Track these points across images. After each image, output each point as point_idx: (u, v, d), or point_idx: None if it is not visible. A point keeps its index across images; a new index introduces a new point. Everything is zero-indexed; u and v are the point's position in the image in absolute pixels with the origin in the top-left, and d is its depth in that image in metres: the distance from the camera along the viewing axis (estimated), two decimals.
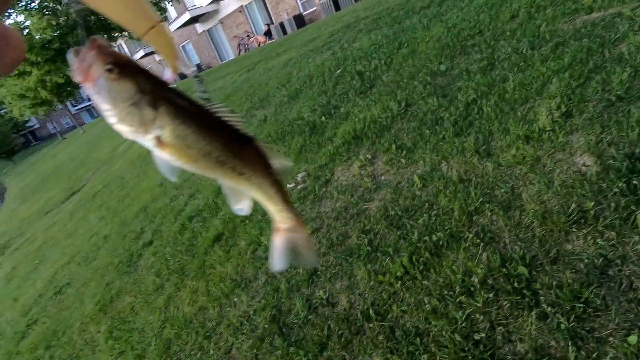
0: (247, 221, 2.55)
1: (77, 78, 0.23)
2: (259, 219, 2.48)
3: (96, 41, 0.23)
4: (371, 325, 1.40)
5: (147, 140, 0.25)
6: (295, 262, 0.31)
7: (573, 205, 1.32)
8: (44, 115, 21.14)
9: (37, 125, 49.07)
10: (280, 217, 0.30)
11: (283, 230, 0.30)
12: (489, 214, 1.51)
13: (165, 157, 0.26)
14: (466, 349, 1.14)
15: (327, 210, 2.15)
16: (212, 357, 1.73)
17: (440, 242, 1.51)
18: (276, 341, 1.58)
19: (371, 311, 1.43)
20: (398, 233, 1.69)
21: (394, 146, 2.25)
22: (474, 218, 1.54)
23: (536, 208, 1.41)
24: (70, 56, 0.23)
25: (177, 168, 0.26)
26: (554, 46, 2.29)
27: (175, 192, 3.97)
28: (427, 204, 1.74)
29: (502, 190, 1.57)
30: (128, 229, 3.85)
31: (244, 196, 0.29)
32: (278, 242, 0.31)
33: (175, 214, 3.41)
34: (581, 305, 1.06)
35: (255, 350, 1.61)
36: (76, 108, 46.66)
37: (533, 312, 1.12)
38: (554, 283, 1.15)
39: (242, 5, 18.58)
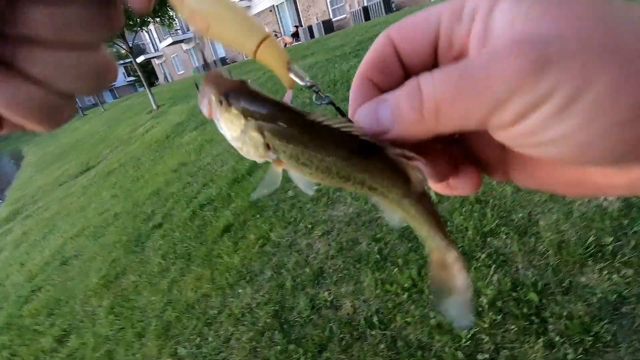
0: (258, 216, 2.57)
1: (205, 114, 0.24)
2: (270, 214, 2.50)
3: (210, 74, 0.23)
4: (373, 332, 1.40)
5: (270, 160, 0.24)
6: (444, 308, 0.24)
7: (591, 239, 1.31)
8: None
9: None
10: (429, 245, 0.24)
11: (433, 263, 0.24)
12: (504, 237, 1.51)
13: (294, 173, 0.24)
14: None
15: (340, 214, 2.16)
16: (211, 345, 1.75)
17: None
18: (276, 336, 1.59)
19: (375, 319, 1.44)
20: (409, 245, 1.69)
21: None
22: (488, 239, 1.53)
23: (552, 237, 1.40)
24: (197, 94, 0.24)
25: (312, 182, 0.24)
26: None
27: (189, 179, 4.03)
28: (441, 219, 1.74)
29: (519, 215, 1.56)
30: (139, 210, 3.92)
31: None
32: (431, 275, 0.24)
33: (188, 200, 3.46)
34: (591, 338, 1.06)
35: (254, 343, 1.63)
36: None
37: (540, 340, 1.11)
38: (565, 313, 1.15)
39: (273, 5, 18.84)
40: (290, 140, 0.22)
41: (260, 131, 0.23)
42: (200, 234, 2.77)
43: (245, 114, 0.23)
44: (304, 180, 0.25)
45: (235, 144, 0.24)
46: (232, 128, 0.23)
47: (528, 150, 0.17)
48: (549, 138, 0.16)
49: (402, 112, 0.19)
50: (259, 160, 0.25)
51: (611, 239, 1.28)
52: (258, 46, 0.23)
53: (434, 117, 0.18)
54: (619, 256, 1.23)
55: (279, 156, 0.23)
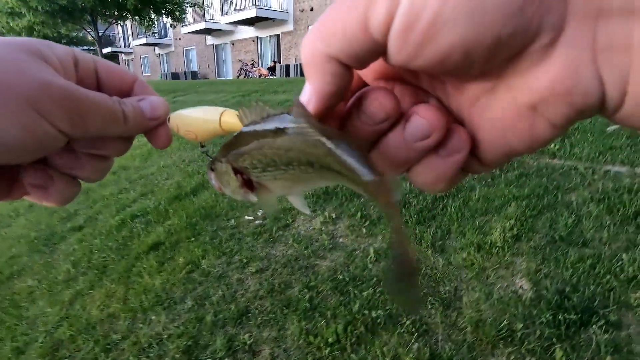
0: (192, 239, 2.44)
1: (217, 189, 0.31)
2: (206, 240, 2.39)
3: (211, 163, 0.30)
4: None
5: (255, 195, 0.28)
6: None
7: (505, 322, 1.41)
8: None
9: None
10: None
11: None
12: (429, 306, 1.57)
13: (291, 195, 0.27)
14: None
15: (278, 254, 2.12)
16: None
17: (378, 320, 1.52)
18: None
19: None
20: (340, 299, 1.69)
21: (359, 214, 2.32)
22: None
23: (472, 314, 1.48)
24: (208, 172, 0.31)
25: (303, 199, 0.28)
26: (519, 175, 2.57)
27: (127, 185, 3.76)
28: (375, 279, 1.77)
29: (447, 288, 1.65)
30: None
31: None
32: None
33: (120, 207, 3.20)
34: None
35: None
36: None
37: None
38: None
39: (257, 37, 19.36)
40: (242, 154, 0.26)
41: (228, 163, 0.27)
42: (124, 246, 2.55)
43: (213, 163, 0.29)
44: (298, 201, 0.28)
45: (227, 191, 0.29)
46: (216, 179, 0.29)
47: (431, 50, 0.16)
48: (433, 11, 0.15)
49: (304, 59, 0.20)
50: (252, 198, 0.28)
51: (521, 325, 1.38)
52: (221, 117, 0.30)
53: (323, 38, 0.18)
54: (526, 343, 1.32)
55: (252, 177, 0.26)
